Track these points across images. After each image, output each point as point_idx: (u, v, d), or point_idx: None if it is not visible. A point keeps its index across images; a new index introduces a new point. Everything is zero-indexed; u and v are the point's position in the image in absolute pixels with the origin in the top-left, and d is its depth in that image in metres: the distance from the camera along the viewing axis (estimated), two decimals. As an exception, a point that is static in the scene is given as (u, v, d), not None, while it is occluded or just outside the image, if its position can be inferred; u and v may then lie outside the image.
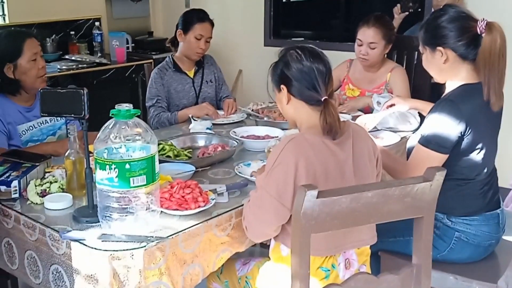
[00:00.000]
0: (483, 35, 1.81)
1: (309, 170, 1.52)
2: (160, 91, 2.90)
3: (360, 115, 2.69)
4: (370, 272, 1.69)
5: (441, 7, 1.99)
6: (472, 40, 1.84)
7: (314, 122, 1.62)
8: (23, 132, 2.32)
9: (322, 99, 1.60)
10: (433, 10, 3.33)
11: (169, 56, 3.02)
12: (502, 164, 2.12)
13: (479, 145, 1.87)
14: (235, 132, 2.40)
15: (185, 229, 1.57)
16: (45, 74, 2.35)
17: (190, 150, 2.25)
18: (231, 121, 2.73)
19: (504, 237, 2.05)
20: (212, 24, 2.96)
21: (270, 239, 1.69)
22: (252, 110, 2.82)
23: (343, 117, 2.10)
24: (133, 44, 4.67)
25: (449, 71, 1.91)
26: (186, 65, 3.00)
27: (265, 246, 1.79)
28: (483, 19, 1.83)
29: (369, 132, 2.22)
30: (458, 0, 3.38)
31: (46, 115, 1.78)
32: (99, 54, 4.41)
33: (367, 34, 2.76)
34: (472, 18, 1.86)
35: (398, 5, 3.60)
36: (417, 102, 2.46)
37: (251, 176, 1.89)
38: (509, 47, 1.85)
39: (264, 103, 2.90)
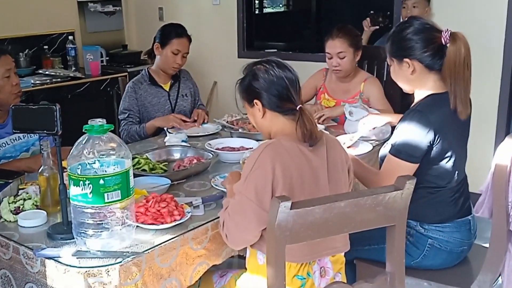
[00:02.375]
0: (447, 45, 1.85)
1: (286, 174, 1.54)
2: (133, 105, 2.90)
3: (334, 125, 2.74)
4: (345, 281, 1.71)
5: (406, 19, 2.03)
6: (437, 51, 1.88)
7: (289, 130, 1.64)
8: (-4, 149, 2.29)
9: (297, 107, 1.62)
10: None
11: (145, 69, 3.02)
12: (472, 170, 2.16)
13: (449, 154, 1.91)
14: (210, 144, 2.40)
15: (161, 244, 1.57)
16: (19, 91, 2.33)
17: (166, 163, 2.25)
18: (206, 133, 2.73)
19: (476, 242, 2.09)
20: (190, 40, 2.96)
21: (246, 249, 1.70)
22: (227, 121, 2.83)
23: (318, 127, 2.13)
24: (107, 58, 4.65)
25: (416, 81, 1.95)
26: (162, 78, 3.00)
27: (242, 257, 1.80)
28: (447, 29, 1.87)
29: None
30: (425, 12, 3.46)
31: (18, 131, 1.76)
32: (73, 68, 4.38)
33: (334, 46, 2.82)
34: (437, 29, 1.91)
35: (368, 18, 3.67)
36: (389, 116, 2.51)
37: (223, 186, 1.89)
38: (474, 56, 1.89)
39: (238, 115, 2.91)
